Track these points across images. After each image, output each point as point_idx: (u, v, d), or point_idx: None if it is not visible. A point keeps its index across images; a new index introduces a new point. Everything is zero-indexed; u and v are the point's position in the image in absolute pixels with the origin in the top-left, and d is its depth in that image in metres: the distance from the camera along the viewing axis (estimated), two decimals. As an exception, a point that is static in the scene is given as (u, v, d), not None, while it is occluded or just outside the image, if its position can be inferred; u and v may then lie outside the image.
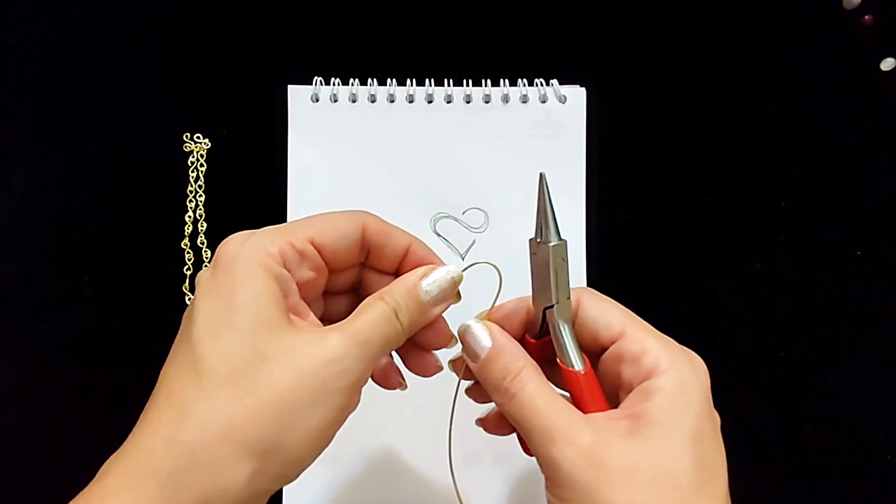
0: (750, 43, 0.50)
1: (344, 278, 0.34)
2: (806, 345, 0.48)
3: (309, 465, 0.29)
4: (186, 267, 0.48)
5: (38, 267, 0.48)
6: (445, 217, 0.48)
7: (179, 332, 0.30)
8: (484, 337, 0.32)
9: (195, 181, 0.49)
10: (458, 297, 0.34)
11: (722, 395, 0.50)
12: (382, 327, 0.30)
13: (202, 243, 0.48)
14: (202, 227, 0.48)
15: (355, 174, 0.48)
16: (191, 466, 0.27)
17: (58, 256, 0.48)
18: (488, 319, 0.34)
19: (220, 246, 0.30)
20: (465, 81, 0.48)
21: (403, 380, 0.35)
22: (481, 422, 0.37)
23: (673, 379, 0.30)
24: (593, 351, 0.33)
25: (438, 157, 0.48)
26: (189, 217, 0.48)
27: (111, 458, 0.30)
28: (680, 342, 0.48)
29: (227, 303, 0.28)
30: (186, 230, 0.48)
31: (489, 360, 0.32)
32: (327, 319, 0.32)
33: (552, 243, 0.32)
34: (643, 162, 0.49)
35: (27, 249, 0.48)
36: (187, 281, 0.48)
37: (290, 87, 0.48)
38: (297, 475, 0.29)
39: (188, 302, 0.48)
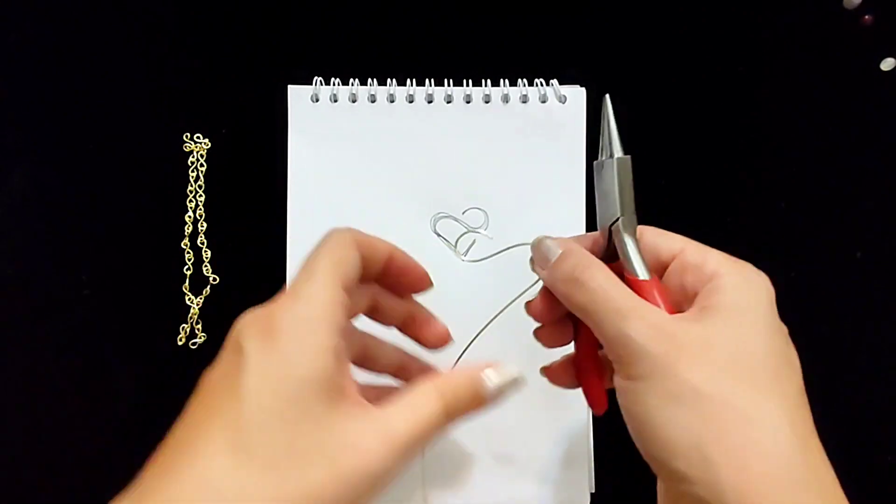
0: (750, 43, 0.50)
1: (361, 304, 0.34)
2: (806, 345, 0.48)
3: None
4: (186, 267, 0.48)
5: (38, 267, 0.48)
6: (445, 217, 0.48)
7: (209, 387, 0.29)
8: (554, 246, 0.34)
9: (195, 181, 0.49)
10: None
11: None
12: (429, 430, 0.29)
13: (202, 243, 0.48)
14: (202, 227, 0.48)
15: (355, 174, 0.48)
16: None
17: (57, 256, 0.48)
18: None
19: (276, 307, 0.29)
20: (465, 81, 0.48)
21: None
22: (546, 370, 0.38)
23: (737, 277, 0.31)
24: (657, 271, 0.34)
25: (438, 157, 0.48)
26: (189, 217, 0.48)
27: None
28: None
29: (280, 388, 0.27)
30: (186, 230, 0.48)
31: (560, 261, 0.33)
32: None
33: (617, 156, 0.34)
34: (643, 162, 0.49)
35: (27, 249, 0.48)
36: (187, 281, 0.48)
37: (290, 87, 0.48)
38: None
39: (188, 302, 0.48)
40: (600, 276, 0.31)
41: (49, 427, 0.47)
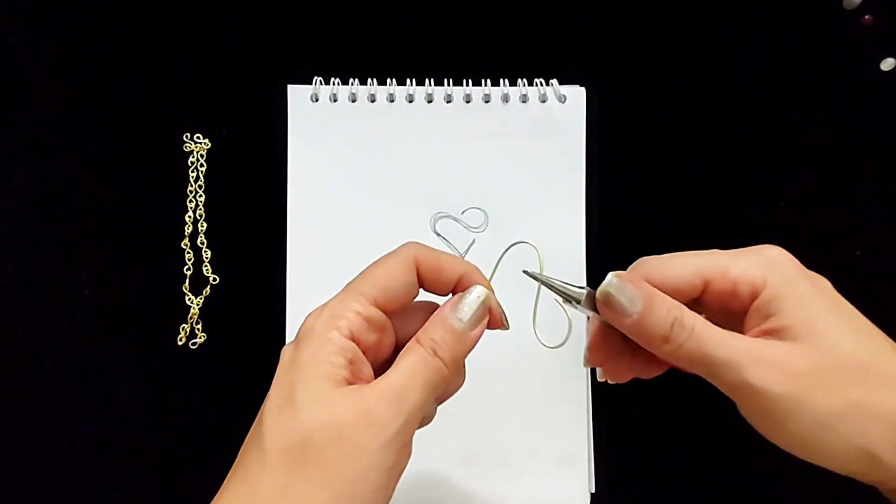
0: (750, 43, 0.50)
1: (412, 323, 0.35)
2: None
3: None
4: (186, 267, 0.48)
5: (38, 267, 0.48)
6: (445, 217, 0.48)
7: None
8: (632, 290, 0.33)
9: (195, 181, 0.49)
10: (505, 325, 0.35)
11: (725, 397, 0.50)
12: (420, 375, 0.31)
13: (202, 243, 0.48)
14: (202, 227, 0.48)
15: (355, 174, 0.48)
16: None
17: (58, 256, 0.48)
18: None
19: (303, 321, 0.33)
20: (465, 81, 0.48)
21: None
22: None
23: (775, 287, 0.32)
24: (688, 302, 0.34)
25: (438, 157, 0.48)
26: (189, 217, 0.48)
27: None
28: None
29: (293, 381, 0.31)
30: (186, 230, 0.48)
31: (648, 311, 0.32)
32: None
33: (581, 300, 0.34)
34: (643, 162, 0.49)
35: (27, 249, 0.48)
36: (187, 281, 0.48)
37: (290, 87, 0.48)
38: None
39: (188, 302, 0.48)
40: (699, 324, 0.32)
41: (49, 427, 0.47)
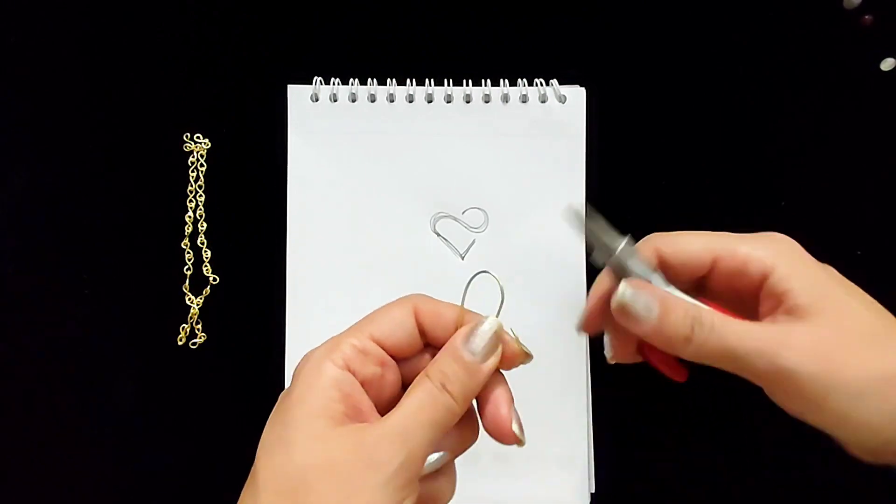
0: (750, 43, 0.50)
1: (418, 367, 0.33)
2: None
3: None
4: (186, 267, 0.48)
5: (38, 267, 0.48)
6: (445, 217, 0.48)
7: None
8: (645, 296, 0.33)
9: (195, 181, 0.49)
10: (529, 355, 0.33)
11: (724, 397, 0.50)
12: (427, 412, 0.30)
13: (202, 243, 0.48)
14: (202, 227, 0.48)
15: (355, 174, 0.48)
16: None
17: (58, 257, 0.48)
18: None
19: (306, 358, 0.32)
20: (465, 81, 0.48)
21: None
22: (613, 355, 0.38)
23: (786, 267, 0.33)
24: (697, 281, 0.35)
25: (438, 157, 0.48)
26: (189, 217, 0.48)
27: None
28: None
29: (285, 418, 0.30)
30: (186, 230, 0.48)
31: (665, 315, 0.32)
32: None
33: (618, 248, 0.34)
34: (644, 162, 0.49)
35: (27, 249, 0.48)
36: (187, 281, 0.48)
37: (290, 86, 0.48)
38: None
39: (188, 302, 0.48)
40: (718, 321, 0.32)
41: (49, 427, 0.47)
